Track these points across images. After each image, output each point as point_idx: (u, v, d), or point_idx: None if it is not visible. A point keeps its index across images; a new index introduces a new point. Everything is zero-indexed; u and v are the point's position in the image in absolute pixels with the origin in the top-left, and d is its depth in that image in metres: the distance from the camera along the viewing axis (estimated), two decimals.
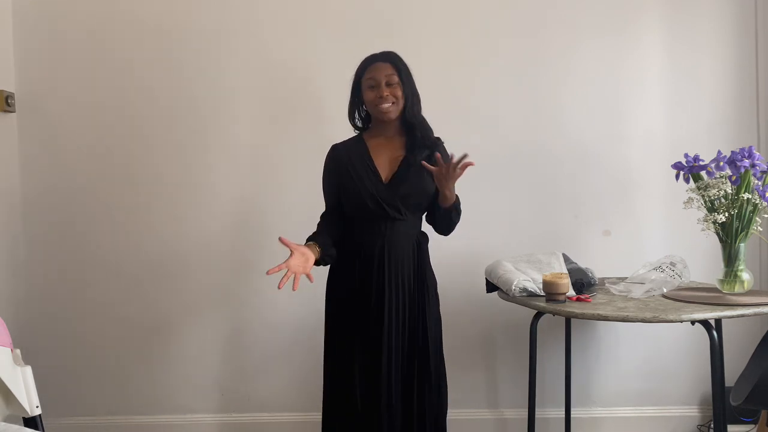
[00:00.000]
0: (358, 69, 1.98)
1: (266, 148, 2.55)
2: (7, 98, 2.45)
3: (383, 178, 1.93)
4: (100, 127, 2.55)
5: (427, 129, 1.99)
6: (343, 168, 1.95)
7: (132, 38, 2.54)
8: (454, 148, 2.53)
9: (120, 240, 2.56)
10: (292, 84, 2.53)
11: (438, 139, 2.02)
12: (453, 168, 1.80)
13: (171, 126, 2.55)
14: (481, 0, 2.53)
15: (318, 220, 2.01)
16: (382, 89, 1.89)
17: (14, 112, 2.52)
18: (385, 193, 1.90)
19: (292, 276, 1.76)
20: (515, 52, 2.53)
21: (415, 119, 1.95)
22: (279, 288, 1.73)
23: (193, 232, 2.56)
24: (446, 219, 1.97)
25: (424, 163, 1.86)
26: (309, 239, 1.90)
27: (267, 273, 1.74)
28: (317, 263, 1.87)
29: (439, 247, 2.51)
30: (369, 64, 1.95)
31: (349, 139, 2.03)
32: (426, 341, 1.92)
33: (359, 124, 2.04)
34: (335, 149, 2.01)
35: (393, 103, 1.90)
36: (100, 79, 2.54)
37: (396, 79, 1.91)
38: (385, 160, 1.96)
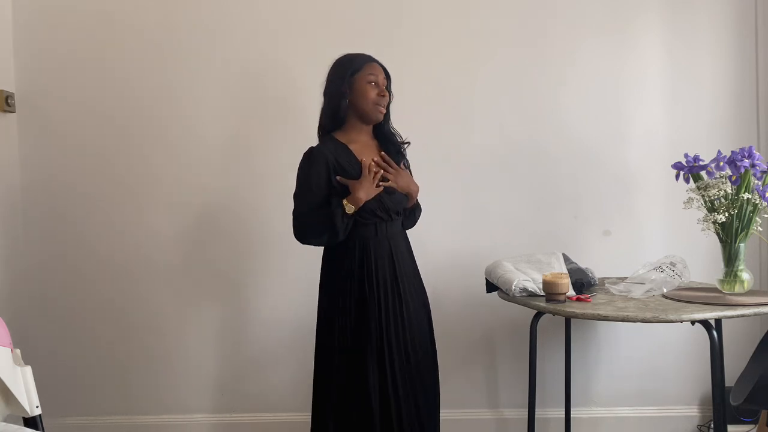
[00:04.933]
0: (347, 64, 1.92)
1: (265, 147, 2.55)
2: (7, 98, 2.45)
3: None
4: (99, 127, 2.55)
5: (398, 134, 2.04)
6: (332, 172, 1.88)
7: (131, 38, 2.54)
8: (454, 147, 2.56)
9: (120, 239, 2.56)
10: (286, 83, 2.53)
11: (404, 142, 2.07)
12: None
13: (171, 125, 2.55)
14: (482, 2, 2.53)
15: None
16: (383, 89, 1.92)
17: (14, 112, 2.52)
18: (383, 198, 1.90)
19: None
20: (515, 51, 2.53)
21: (389, 127, 2.01)
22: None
23: (194, 232, 2.56)
24: (412, 217, 2.06)
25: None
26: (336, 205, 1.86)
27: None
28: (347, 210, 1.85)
29: (440, 247, 2.53)
30: (367, 61, 1.94)
31: (327, 143, 1.93)
32: (431, 328, 2.03)
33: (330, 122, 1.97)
34: (321, 153, 1.89)
35: (385, 106, 1.94)
36: (100, 79, 2.54)
37: (387, 84, 1.96)
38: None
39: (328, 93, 1.95)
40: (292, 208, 1.93)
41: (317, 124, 2.00)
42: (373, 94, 1.90)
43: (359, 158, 1.92)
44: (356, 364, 1.86)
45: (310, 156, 1.91)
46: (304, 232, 1.91)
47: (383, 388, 1.85)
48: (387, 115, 1.99)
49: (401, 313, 1.91)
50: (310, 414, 1.97)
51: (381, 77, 1.93)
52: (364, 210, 1.87)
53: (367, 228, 1.90)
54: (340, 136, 1.96)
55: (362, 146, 1.96)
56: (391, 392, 1.86)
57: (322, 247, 2.02)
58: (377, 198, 1.89)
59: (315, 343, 1.98)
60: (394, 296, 1.91)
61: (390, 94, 1.98)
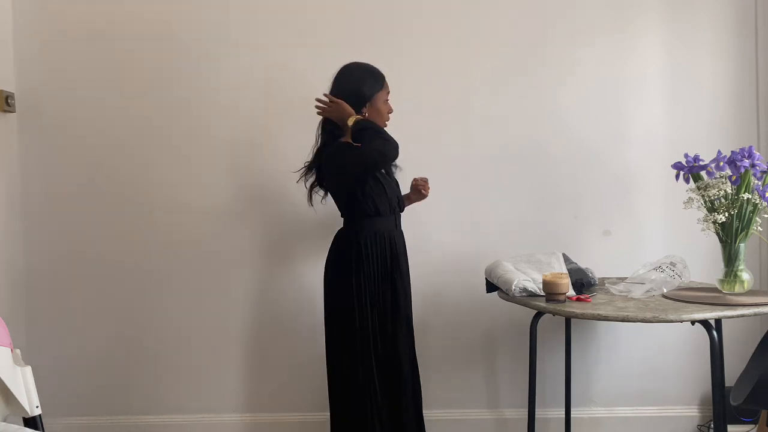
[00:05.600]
0: (373, 79, 2.09)
1: (268, 149, 2.55)
2: (7, 98, 2.45)
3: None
4: (100, 127, 2.55)
5: None
6: None
7: (132, 38, 2.54)
8: (454, 147, 2.56)
9: (120, 239, 2.56)
10: (291, 84, 2.52)
11: None
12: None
13: (172, 125, 2.55)
14: (482, 2, 2.54)
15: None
16: (390, 106, 2.14)
17: (14, 112, 2.52)
18: (398, 193, 2.16)
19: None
20: (515, 52, 2.53)
21: None
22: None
23: (195, 232, 2.56)
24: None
25: (416, 183, 2.25)
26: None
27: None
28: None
29: (440, 247, 2.53)
30: (384, 79, 2.12)
31: (346, 144, 2.05)
32: (410, 312, 2.18)
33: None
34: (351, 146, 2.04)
35: None
36: (100, 79, 2.54)
37: None
38: None
39: (351, 100, 2.04)
40: (369, 168, 2.01)
41: (323, 120, 2.11)
42: (386, 110, 2.13)
43: None
44: (392, 344, 2.04)
45: (343, 144, 2.04)
46: (384, 156, 1.98)
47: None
48: None
49: (409, 296, 2.15)
50: (330, 400, 2.09)
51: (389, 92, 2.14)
52: (388, 202, 2.07)
53: (389, 220, 2.10)
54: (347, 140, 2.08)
55: None
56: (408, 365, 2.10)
57: (329, 245, 2.14)
58: (394, 191, 2.12)
59: (338, 333, 2.06)
60: (407, 281, 2.14)
61: None
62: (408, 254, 2.19)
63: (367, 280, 2.02)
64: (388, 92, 2.13)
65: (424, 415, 2.14)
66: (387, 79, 2.13)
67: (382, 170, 2.09)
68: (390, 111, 2.14)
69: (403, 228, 2.17)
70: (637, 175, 2.55)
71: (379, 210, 2.05)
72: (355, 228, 2.07)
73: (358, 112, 2.04)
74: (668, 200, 2.47)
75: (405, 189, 2.27)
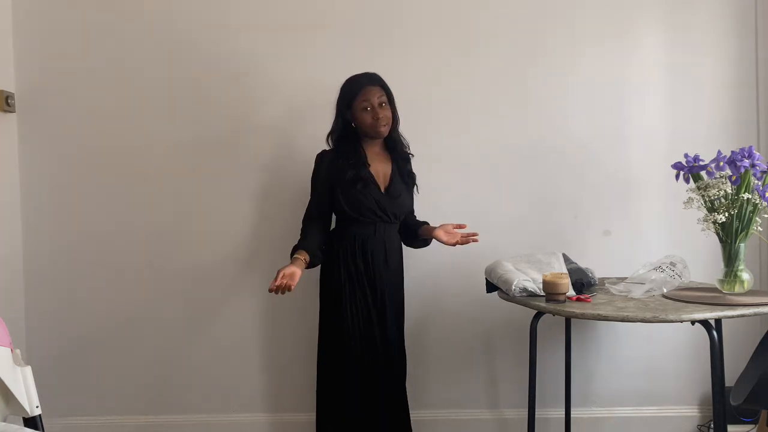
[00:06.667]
0: (348, 91, 2.11)
1: (277, 150, 2.55)
2: (7, 98, 2.45)
3: (381, 189, 2.15)
4: (100, 127, 2.55)
5: (405, 145, 2.24)
6: (341, 174, 2.09)
7: (132, 37, 2.54)
8: (454, 147, 2.56)
9: (120, 239, 2.56)
10: (295, 85, 2.53)
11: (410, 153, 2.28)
12: (463, 240, 2.14)
13: (173, 125, 2.55)
14: (482, 2, 2.54)
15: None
16: (378, 111, 2.09)
17: (14, 112, 2.52)
18: (386, 202, 2.12)
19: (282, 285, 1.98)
20: (516, 52, 2.53)
21: (398, 136, 2.21)
22: (270, 290, 1.96)
23: (194, 232, 2.56)
24: (420, 243, 2.28)
25: (436, 233, 2.16)
26: (296, 248, 2.08)
27: (269, 290, 1.96)
28: (307, 267, 2.07)
29: (440, 247, 2.51)
30: (361, 87, 2.10)
31: (341, 149, 2.14)
32: (402, 314, 2.23)
33: (331, 142, 2.17)
34: (330, 156, 2.13)
35: (386, 124, 2.11)
36: (100, 79, 2.54)
37: (386, 100, 2.12)
38: (378, 171, 2.16)
39: (336, 117, 2.15)
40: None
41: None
42: (368, 118, 2.09)
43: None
44: (368, 346, 2.09)
45: (321, 160, 2.15)
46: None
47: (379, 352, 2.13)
48: (395, 124, 2.16)
49: (387, 296, 2.15)
50: (318, 394, 2.13)
51: (374, 99, 2.08)
52: (365, 209, 2.09)
53: (367, 227, 2.12)
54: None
55: (373, 155, 2.17)
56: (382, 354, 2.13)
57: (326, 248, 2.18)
58: (376, 200, 2.10)
59: (325, 335, 2.16)
60: (385, 284, 2.15)
61: (390, 105, 2.13)
62: (407, 255, 2.21)
63: (339, 283, 2.10)
64: (365, 100, 2.08)
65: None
66: (386, 80, 2.13)
67: (361, 181, 2.09)
68: (377, 117, 2.08)
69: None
70: (637, 175, 2.55)
71: (353, 216, 2.10)
72: (335, 232, 2.19)
73: (347, 123, 2.13)
74: (668, 200, 2.48)
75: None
